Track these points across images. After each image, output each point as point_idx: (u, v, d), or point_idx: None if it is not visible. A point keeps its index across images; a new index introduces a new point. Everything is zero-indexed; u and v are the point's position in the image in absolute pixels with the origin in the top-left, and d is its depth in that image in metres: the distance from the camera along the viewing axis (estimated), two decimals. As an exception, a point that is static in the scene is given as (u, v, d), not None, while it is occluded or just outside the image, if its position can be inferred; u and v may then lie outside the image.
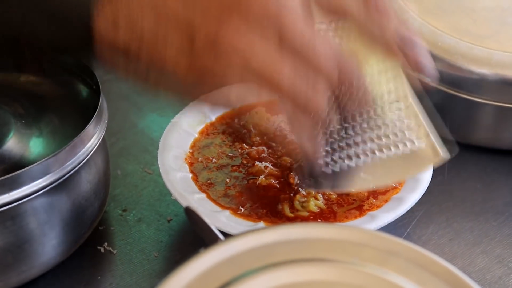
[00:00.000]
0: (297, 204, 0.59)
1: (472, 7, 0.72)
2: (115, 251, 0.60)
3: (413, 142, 0.55)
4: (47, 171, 0.53)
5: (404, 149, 0.55)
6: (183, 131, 0.66)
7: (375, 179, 0.55)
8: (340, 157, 0.54)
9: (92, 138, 0.56)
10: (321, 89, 0.46)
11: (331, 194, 0.60)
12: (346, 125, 0.54)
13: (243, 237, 0.45)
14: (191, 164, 0.63)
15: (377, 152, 0.55)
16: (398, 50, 0.49)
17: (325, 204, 0.59)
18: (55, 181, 0.53)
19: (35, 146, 0.58)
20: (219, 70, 0.45)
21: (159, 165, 0.61)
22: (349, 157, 0.54)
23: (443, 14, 0.71)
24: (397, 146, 0.55)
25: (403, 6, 0.72)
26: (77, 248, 0.58)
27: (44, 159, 0.52)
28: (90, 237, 0.60)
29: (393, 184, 0.61)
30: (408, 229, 0.63)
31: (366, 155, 0.54)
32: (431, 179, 0.61)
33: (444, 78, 0.69)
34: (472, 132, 0.71)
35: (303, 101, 0.46)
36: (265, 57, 0.44)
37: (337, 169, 0.54)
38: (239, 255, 0.44)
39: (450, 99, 0.69)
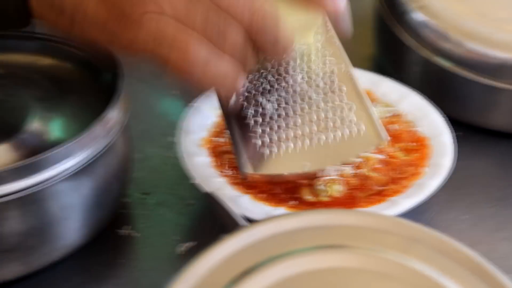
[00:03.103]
0: (317, 189, 0.59)
1: (494, -10, 0.71)
2: (136, 235, 0.61)
3: (354, 125, 0.54)
4: (70, 155, 0.53)
5: (345, 132, 0.54)
6: (203, 115, 0.66)
7: (314, 162, 0.54)
8: (278, 139, 0.54)
9: (114, 121, 0.56)
10: (234, 33, 0.47)
11: (351, 179, 0.60)
12: (285, 105, 0.54)
13: (265, 223, 0.45)
14: (211, 148, 0.63)
15: (317, 135, 0.54)
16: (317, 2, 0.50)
17: (345, 189, 0.59)
18: (77, 165, 0.53)
19: (56, 129, 0.58)
20: (135, 17, 0.46)
21: (180, 150, 0.61)
22: (288, 139, 0.54)
23: (464, -3, 0.71)
24: (338, 129, 0.54)
25: (424, -11, 0.71)
26: (99, 232, 0.58)
27: (67, 143, 0.52)
28: (112, 221, 0.60)
29: (332, 166, 0.60)
30: (429, 215, 0.63)
31: (306, 137, 0.54)
32: (453, 165, 0.61)
33: (464, 62, 0.69)
34: (493, 117, 0.71)
35: (216, 44, 0.47)
36: (177, 3, 0.46)
37: (275, 150, 0.54)
38: (261, 241, 0.44)
39: (470, 84, 0.69)
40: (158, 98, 0.76)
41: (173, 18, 0.46)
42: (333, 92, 0.55)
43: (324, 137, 0.54)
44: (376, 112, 0.56)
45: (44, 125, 0.57)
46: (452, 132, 0.64)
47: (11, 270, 0.54)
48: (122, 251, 0.60)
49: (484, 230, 0.63)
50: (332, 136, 0.54)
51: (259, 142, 0.54)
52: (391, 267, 0.44)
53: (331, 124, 0.54)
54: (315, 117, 0.54)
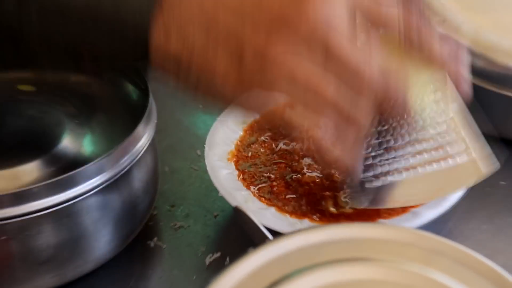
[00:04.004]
0: (341, 201, 0.60)
1: (514, 3, 0.71)
2: (164, 246, 0.62)
3: (454, 158, 0.54)
4: (100, 170, 0.54)
5: (445, 164, 0.54)
6: (228, 129, 0.67)
7: (424, 194, 0.55)
8: (382, 173, 0.54)
9: (143, 137, 0.58)
10: (364, 107, 0.47)
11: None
12: (388, 138, 0.54)
13: (290, 237, 0.46)
14: (236, 162, 0.64)
15: (426, 166, 0.54)
16: (443, 61, 0.50)
17: (368, 201, 0.60)
18: (108, 180, 0.55)
19: (87, 145, 0.59)
20: (265, 84, 0.46)
21: (206, 163, 0.62)
22: (391, 173, 0.54)
23: (484, 10, 0.71)
24: (438, 162, 0.54)
25: (444, 4, 0.71)
26: (129, 243, 0.60)
27: (97, 159, 0.53)
28: (140, 233, 0.61)
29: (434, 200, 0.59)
30: (450, 225, 0.64)
31: (417, 168, 0.54)
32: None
33: (486, 75, 0.69)
34: (513, 128, 0.71)
35: (345, 118, 0.46)
36: (311, 73, 0.45)
37: (379, 184, 0.54)
38: (287, 254, 0.45)
39: (492, 96, 0.69)
40: (185, 112, 0.77)
41: (304, 88, 0.45)
42: (438, 124, 0.55)
43: (432, 168, 0.54)
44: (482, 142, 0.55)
45: (76, 141, 0.58)
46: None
47: (46, 281, 0.55)
48: (150, 262, 0.61)
49: (504, 240, 0.63)
50: (440, 167, 0.54)
51: (372, 174, 0.54)
52: (414, 279, 0.44)
53: (439, 155, 0.55)
54: (423, 148, 0.54)
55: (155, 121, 0.60)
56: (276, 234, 0.50)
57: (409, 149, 0.54)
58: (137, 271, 0.60)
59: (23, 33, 0.48)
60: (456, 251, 0.46)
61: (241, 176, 0.63)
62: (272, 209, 0.59)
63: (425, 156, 0.55)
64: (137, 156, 0.57)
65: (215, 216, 0.64)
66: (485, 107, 0.70)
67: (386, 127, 0.53)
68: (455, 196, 0.60)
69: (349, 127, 0.47)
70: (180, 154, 0.71)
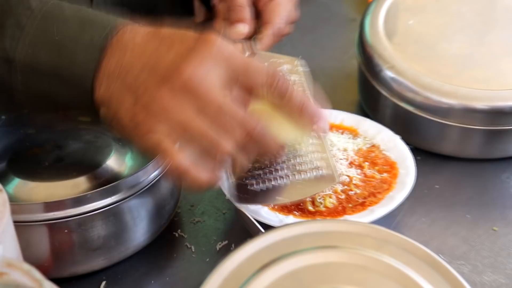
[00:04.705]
0: (317, 202, 0.60)
1: (443, 54, 0.72)
2: (185, 236, 0.61)
3: (318, 170, 0.55)
4: (137, 180, 0.54)
5: (311, 174, 0.55)
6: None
7: (289, 196, 0.55)
8: (263, 179, 0.55)
9: (169, 155, 0.58)
10: (226, 137, 0.47)
11: (341, 194, 0.61)
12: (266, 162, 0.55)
13: (277, 230, 0.46)
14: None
15: (291, 176, 0.55)
16: (302, 116, 0.50)
17: (337, 202, 0.60)
18: (143, 187, 0.55)
19: (128, 161, 0.59)
20: (148, 123, 0.47)
21: (216, 174, 0.62)
22: (270, 180, 0.55)
23: (421, 60, 0.71)
24: (306, 172, 0.55)
25: (392, 54, 0.72)
26: (159, 234, 0.60)
27: (135, 172, 0.54)
28: (167, 226, 0.61)
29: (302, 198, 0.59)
30: (397, 218, 0.64)
31: (283, 178, 0.55)
32: (415, 181, 0.62)
33: (422, 107, 0.69)
34: (443, 145, 0.71)
35: (209, 144, 0.47)
36: (183, 118, 0.46)
37: (259, 188, 0.55)
38: (275, 243, 0.45)
39: (427, 122, 0.69)
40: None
41: (176, 129, 0.46)
42: (305, 144, 0.56)
43: (294, 178, 0.55)
44: (335, 160, 0.57)
45: (120, 158, 0.59)
46: (414, 157, 0.65)
47: (98, 263, 0.55)
48: (175, 248, 0.60)
49: (437, 229, 0.63)
50: (299, 177, 0.55)
51: (254, 182, 0.55)
52: (369, 261, 0.45)
53: (303, 169, 0.56)
54: (291, 163, 0.56)
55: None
56: (267, 227, 0.50)
57: (286, 163, 0.55)
58: (165, 255, 0.60)
59: (13, 90, 0.49)
60: (401, 240, 0.46)
61: (241, 184, 0.62)
62: (265, 208, 0.59)
63: (297, 168, 0.56)
64: (164, 169, 0.57)
65: (224, 213, 0.64)
66: (422, 130, 0.71)
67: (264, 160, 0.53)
68: (401, 197, 0.60)
69: (212, 152, 0.47)
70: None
